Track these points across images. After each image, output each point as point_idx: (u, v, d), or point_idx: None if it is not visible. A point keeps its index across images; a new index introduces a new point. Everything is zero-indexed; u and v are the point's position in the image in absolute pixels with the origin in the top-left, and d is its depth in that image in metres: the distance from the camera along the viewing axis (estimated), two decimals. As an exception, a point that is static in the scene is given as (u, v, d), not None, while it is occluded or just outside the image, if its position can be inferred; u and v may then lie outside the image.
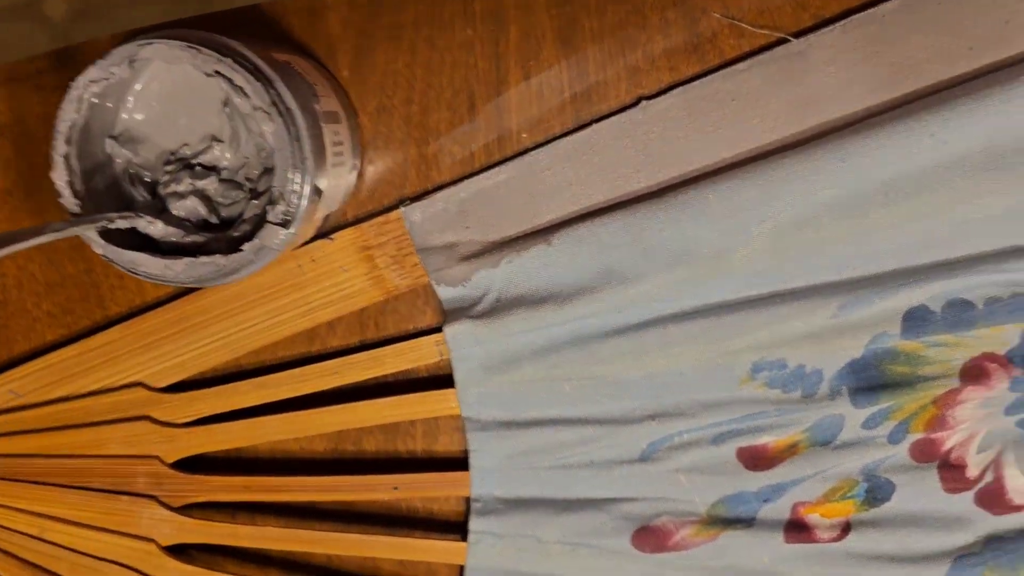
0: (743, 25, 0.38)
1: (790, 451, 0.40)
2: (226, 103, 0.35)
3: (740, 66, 0.37)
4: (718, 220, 0.37)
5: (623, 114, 0.38)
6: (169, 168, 0.35)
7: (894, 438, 0.39)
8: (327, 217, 0.39)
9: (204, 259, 0.32)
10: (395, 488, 0.41)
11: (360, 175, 0.40)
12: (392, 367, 0.41)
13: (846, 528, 0.40)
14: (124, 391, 0.42)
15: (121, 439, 0.42)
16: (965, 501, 0.39)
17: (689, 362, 0.39)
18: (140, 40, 0.32)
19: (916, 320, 0.38)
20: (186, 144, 0.35)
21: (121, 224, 0.33)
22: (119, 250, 0.33)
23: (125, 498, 0.42)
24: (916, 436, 0.39)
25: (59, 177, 0.33)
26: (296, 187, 0.31)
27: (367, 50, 0.39)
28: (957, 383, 0.38)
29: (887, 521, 0.39)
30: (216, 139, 0.35)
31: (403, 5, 0.39)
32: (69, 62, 0.41)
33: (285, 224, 0.32)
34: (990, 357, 0.38)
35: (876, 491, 0.39)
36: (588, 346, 0.39)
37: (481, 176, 0.39)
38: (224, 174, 0.35)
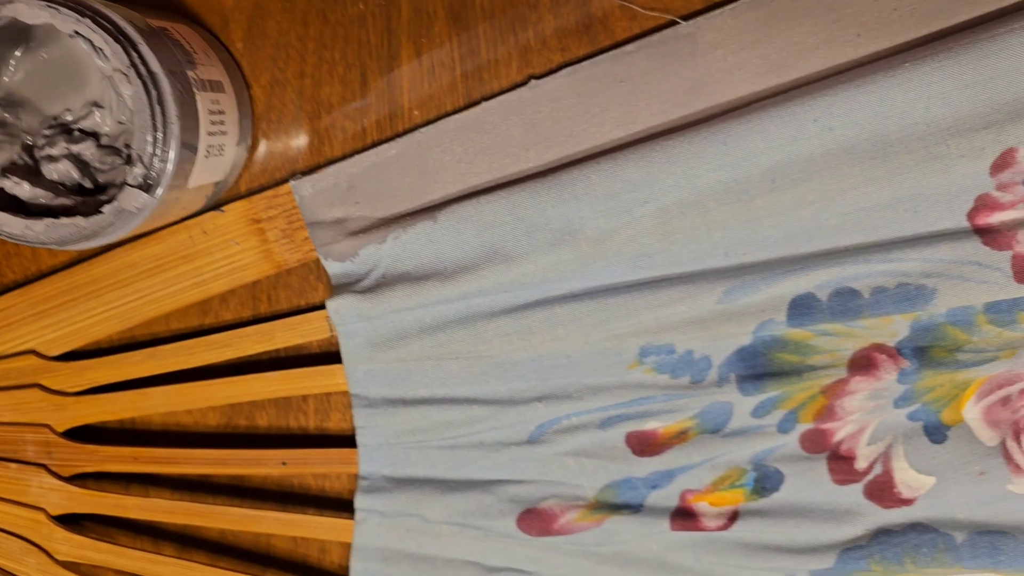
0: (634, 7, 0.37)
1: (679, 437, 0.39)
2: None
3: (629, 47, 0.37)
4: (600, 200, 0.37)
5: (512, 92, 0.38)
6: (47, 132, 0.35)
7: (783, 427, 0.38)
8: (218, 188, 0.39)
9: (65, 220, 0.32)
10: (283, 463, 0.41)
11: (253, 148, 0.40)
12: (282, 341, 0.40)
13: (733, 517, 0.39)
14: (16, 358, 0.42)
15: (11, 406, 0.42)
16: (854, 493, 0.38)
17: (576, 344, 0.39)
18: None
19: (802, 308, 0.37)
20: (68, 109, 0.36)
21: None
22: (-23, 209, 0.33)
23: (14, 466, 0.42)
24: (806, 426, 0.38)
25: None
26: (155, 150, 0.31)
27: (260, 22, 0.39)
28: (845, 373, 0.38)
29: (775, 511, 0.39)
30: (97, 105, 0.35)
31: (299, -22, 0.39)
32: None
33: (146, 188, 0.32)
34: (879, 348, 0.37)
35: (765, 480, 0.39)
36: (475, 325, 0.39)
37: (371, 152, 0.39)
38: (104, 140, 0.35)
